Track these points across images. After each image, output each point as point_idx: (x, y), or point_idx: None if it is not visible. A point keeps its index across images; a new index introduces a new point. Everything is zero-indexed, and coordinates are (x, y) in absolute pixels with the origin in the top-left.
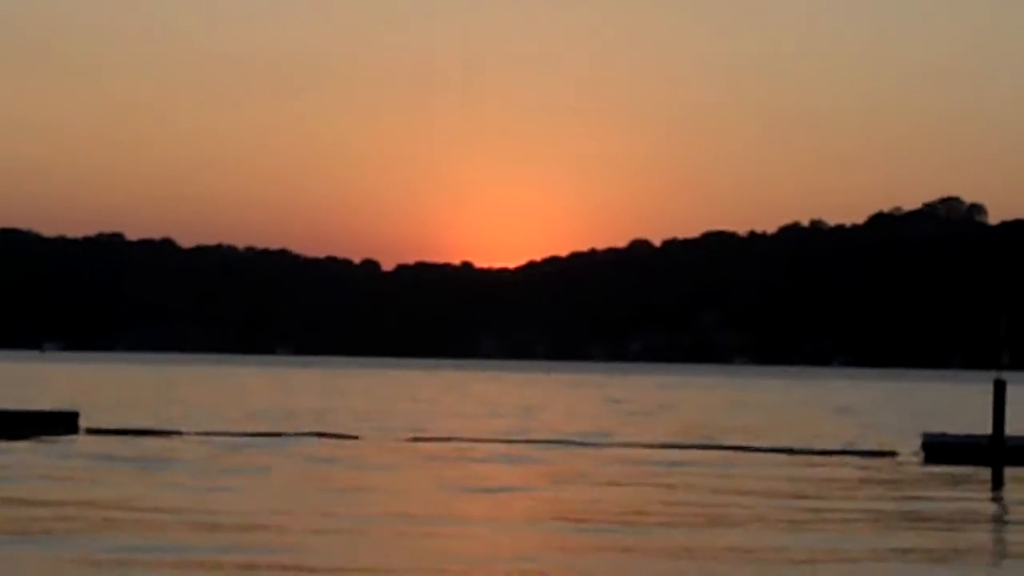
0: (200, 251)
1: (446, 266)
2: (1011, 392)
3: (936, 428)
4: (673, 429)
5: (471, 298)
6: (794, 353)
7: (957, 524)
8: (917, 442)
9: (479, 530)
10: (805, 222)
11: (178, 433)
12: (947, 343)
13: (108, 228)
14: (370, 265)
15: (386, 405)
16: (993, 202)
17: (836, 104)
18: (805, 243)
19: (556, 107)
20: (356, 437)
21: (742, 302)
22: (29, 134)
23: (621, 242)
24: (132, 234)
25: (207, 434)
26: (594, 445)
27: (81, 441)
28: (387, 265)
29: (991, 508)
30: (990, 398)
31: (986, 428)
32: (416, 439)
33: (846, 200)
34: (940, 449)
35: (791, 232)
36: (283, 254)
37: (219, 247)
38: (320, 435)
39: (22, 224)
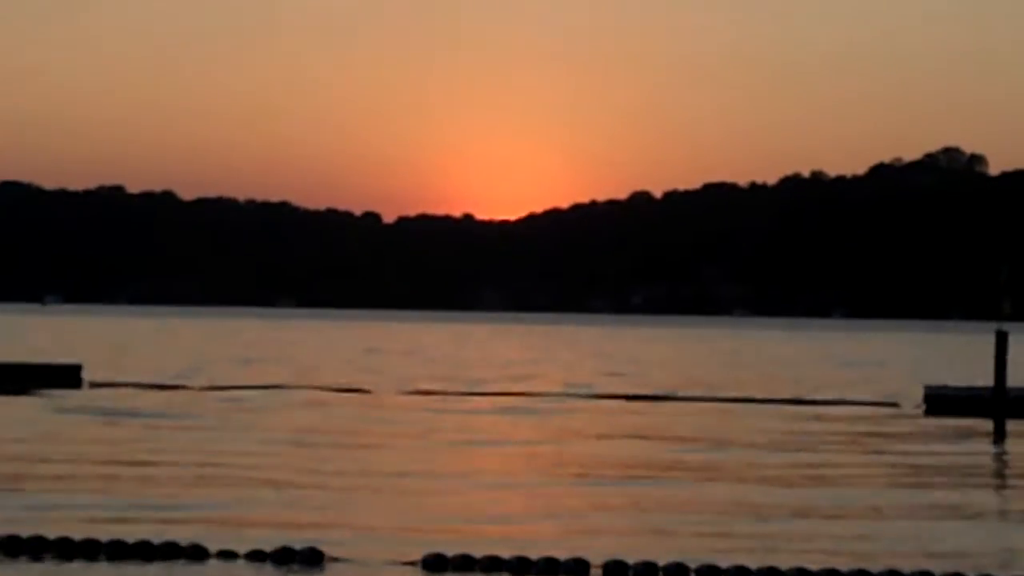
0: (201, 204)
1: (447, 218)
2: (1013, 343)
3: (938, 380)
4: (673, 381)
5: (472, 250)
6: (794, 305)
7: (959, 478)
8: (919, 394)
9: (472, 486)
10: (806, 173)
11: (183, 387)
12: (948, 294)
13: (109, 181)
14: (371, 217)
15: (389, 358)
16: (994, 153)
17: (837, 54)
18: (806, 194)
19: (556, 57)
20: (362, 391)
21: (743, 254)
22: (29, 86)
23: (622, 194)
24: (133, 187)
25: (211, 388)
26: (594, 397)
27: (84, 395)
28: (388, 217)
29: (993, 461)
30: (992, 349)
31: (988, 380)
32: (421, 392)
33: (847, 151)
34: (942, 401)
35: (792, 183)
36: (284, 206)
37: (220, 200)
38: (324, 389)
39: (23, 177)
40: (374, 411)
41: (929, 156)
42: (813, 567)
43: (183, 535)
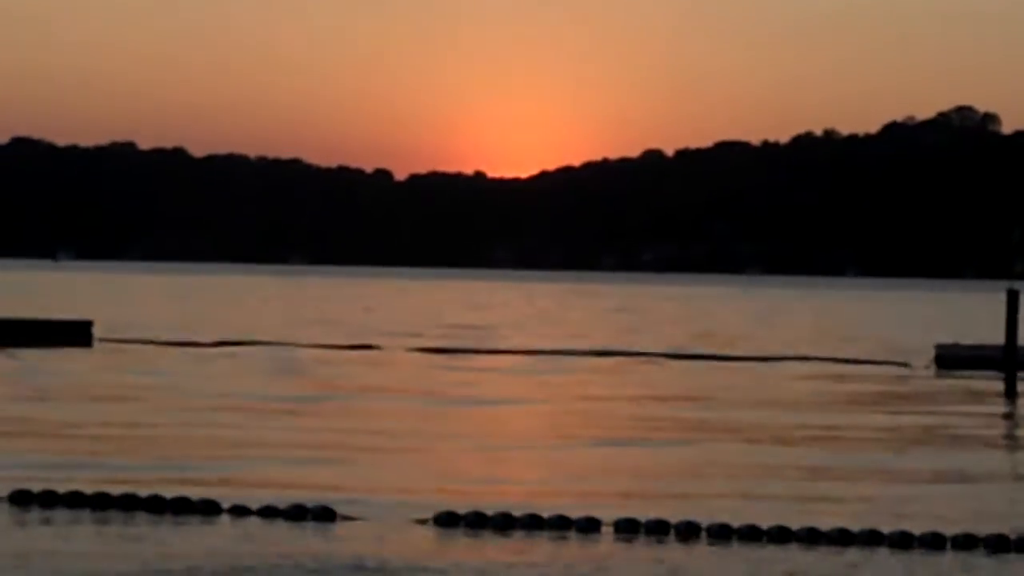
0: (212, 160)
1: (459, 176)
2: None
3: (949, 338)
4: (683, 339)
5: (484, 208)
6: (807, 263)
7: (970, 436)
8: (930, 352)
9: (481, 447)
10: (818, 131)
11: (195, 344)
12: (960, 253)
13: (120, 137)
14: (382, 174)
15: (402, 315)
16: (1007, 112)
17: (850, 12)
18: (818, 152)
19: (569, 15)
20: (373, 347)
21: (755, 212)
22: (41, 42)
23: (634, 152)
24: (144, 143)
25: (222, 344)
26: (603, 355)
27: (95, 350)
28: (400, 174)
29: (1005, 421)
30: (1003, 308)
31: (999, 338)
32: (430, 350)
33: (859, 109)
34: (953, 359)
35: (804, 141)
36: (295, 163)
37: (231, 156)
38: (336, 347)
39: (34, 133)
40: (382, 369)
41: (942, 115)
42: (823, 527)
43: (194, 494)
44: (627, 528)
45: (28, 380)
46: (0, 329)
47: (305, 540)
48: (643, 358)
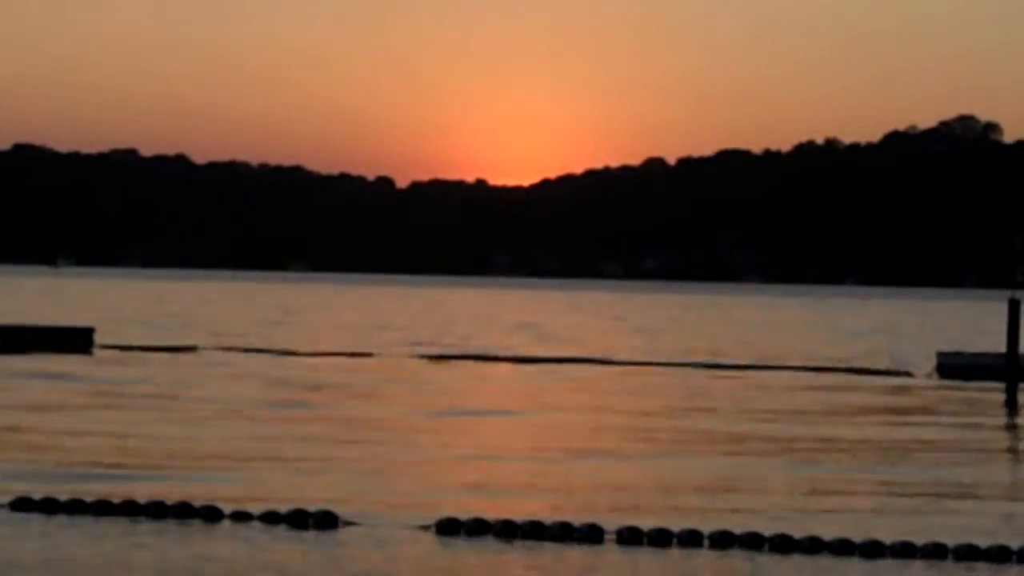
0: (214, 167)
1: (460, 183)
2: None
3: (950, 347)
4: (683, 348)
5: (485, 216)
6: (808, 271)
7: (971, 445)
8: (932, 361)
9: (483, 457)
10: (820, 140)
11: (193, 349)
12: (961, 262)
13: (122, 144)
14: (384, 182)
15: (401, 321)
16: (1008, 121)
17: (852, 22)
18: (820, 161)
19: (571, 24)
20: (370, 355)
21: (756, 220)
22: (43, 50)
23: (636, 160)
24: (146, 150)
25: (222, 349)
26: (602, 363)
27: (96, 357)
28: (401, 182)
29: (1006, 431)
30: (1005, 317)
31: (1000, 347)
32: (431, 356)
33: (861, 118)
34: (955, 369)
35: (806, 150)
36: (297, 171)
37: (232, 163)
38: (334, 355)
39: (36, 140)
40: (381, 375)
41: (944, 124)
42: (826, 537)
43: (195, 500)
44: (630, 537)
45: (29, 387)
46: (0, 335)
47: (307, 546)
48: (644, 367)
